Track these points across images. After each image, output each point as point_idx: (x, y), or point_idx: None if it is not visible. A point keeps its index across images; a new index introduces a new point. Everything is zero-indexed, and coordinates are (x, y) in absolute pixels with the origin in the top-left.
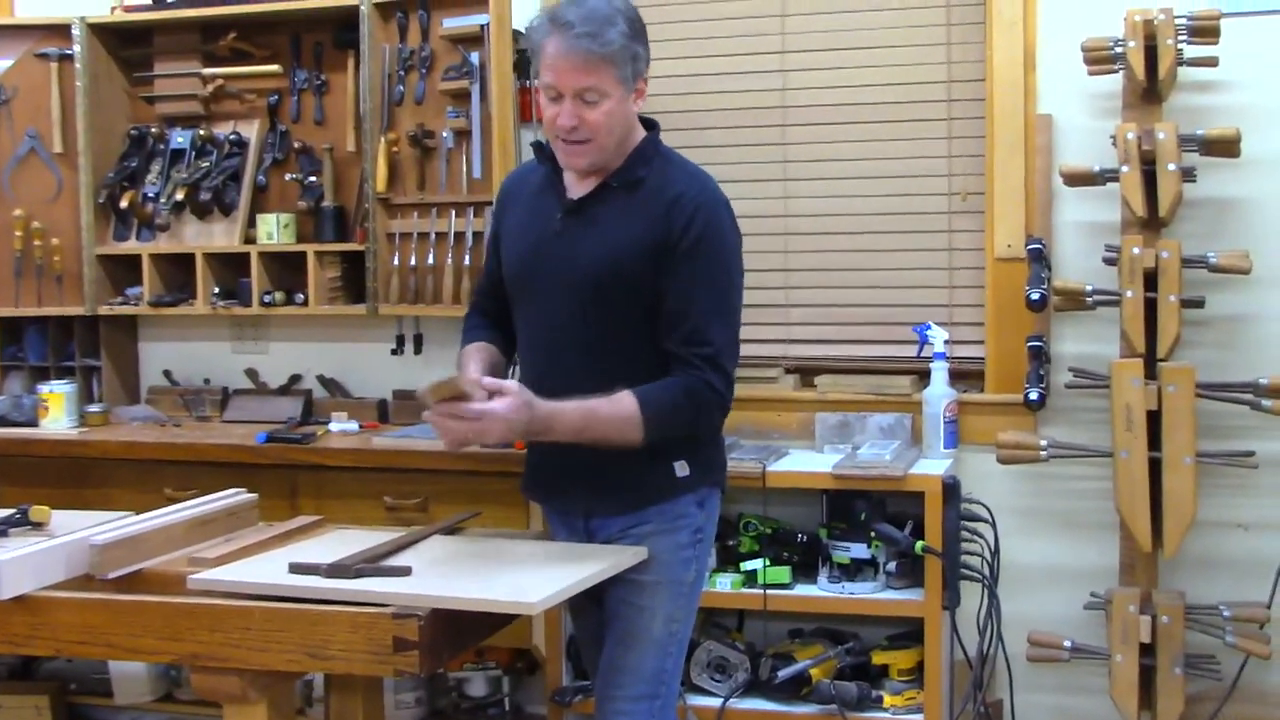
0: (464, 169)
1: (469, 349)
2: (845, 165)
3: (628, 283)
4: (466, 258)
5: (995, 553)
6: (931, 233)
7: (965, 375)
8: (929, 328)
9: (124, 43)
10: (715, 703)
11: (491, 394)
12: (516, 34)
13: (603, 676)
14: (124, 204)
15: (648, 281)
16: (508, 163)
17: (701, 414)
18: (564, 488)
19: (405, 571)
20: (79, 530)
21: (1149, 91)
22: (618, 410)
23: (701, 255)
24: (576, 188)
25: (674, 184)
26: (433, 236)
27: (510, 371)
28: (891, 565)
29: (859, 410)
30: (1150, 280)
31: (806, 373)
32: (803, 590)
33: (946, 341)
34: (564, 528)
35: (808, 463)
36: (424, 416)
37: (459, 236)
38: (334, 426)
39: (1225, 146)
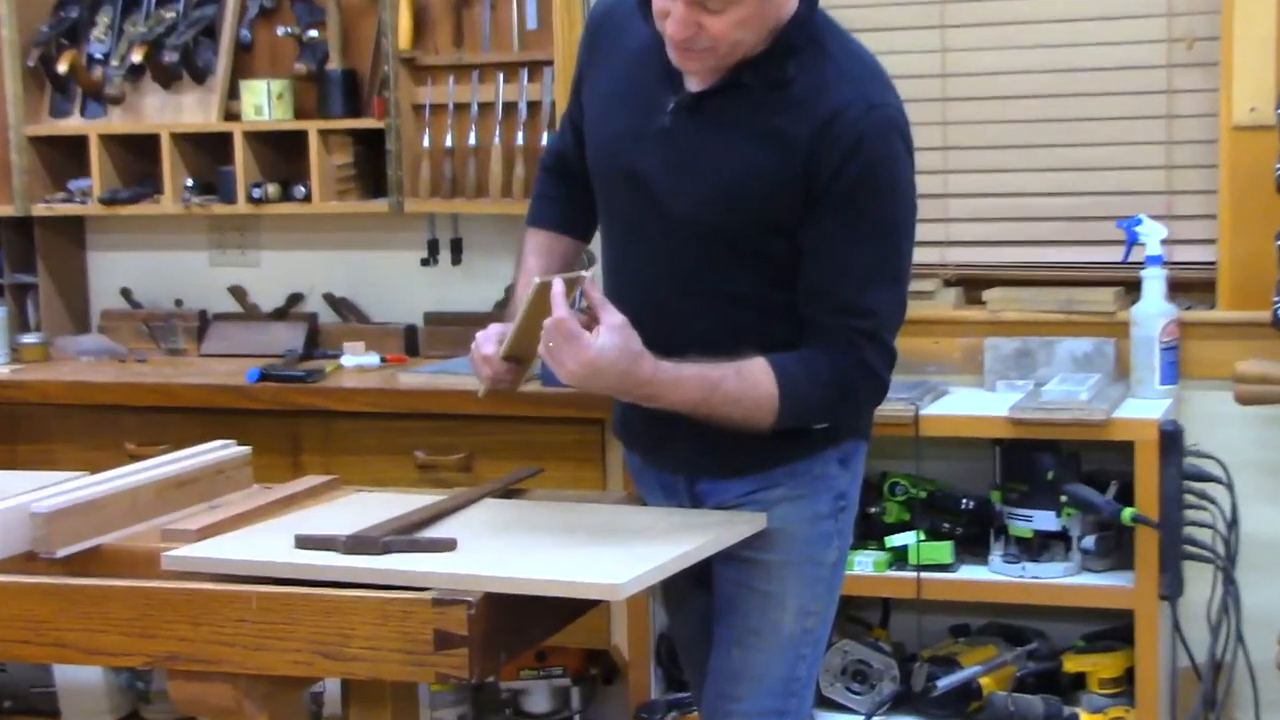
0: (514, 18)
1: (533, 247)
2: (1021, 4)
3: (754, 222)
4: (519, 135)
5: (1232, 524)
6: (1143, 94)
7: (1190, 287)
8: (1139, 222)
9: None
10: None
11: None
12: None
13: (714, 685)
14: (62, 68)
15: (784, 223)
16: (572, 9)
17: (852, 402)
18: (662, 437)
19: (449, 545)
20: (16, 495)
21: None
22: (750, 389)
23: (863, 200)
24: (697, 75)
25: (832, 93)
26: (474, 109)
27: (585, 261)
28: (1089, 540)
29: (1043, 334)
30: None
31: (972, 285)
32: (969, 573)
33: (1164, 241)
34: (659, 490)
35: (975, 404)
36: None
37: (509, 109)
38: (347, 361)
39: None
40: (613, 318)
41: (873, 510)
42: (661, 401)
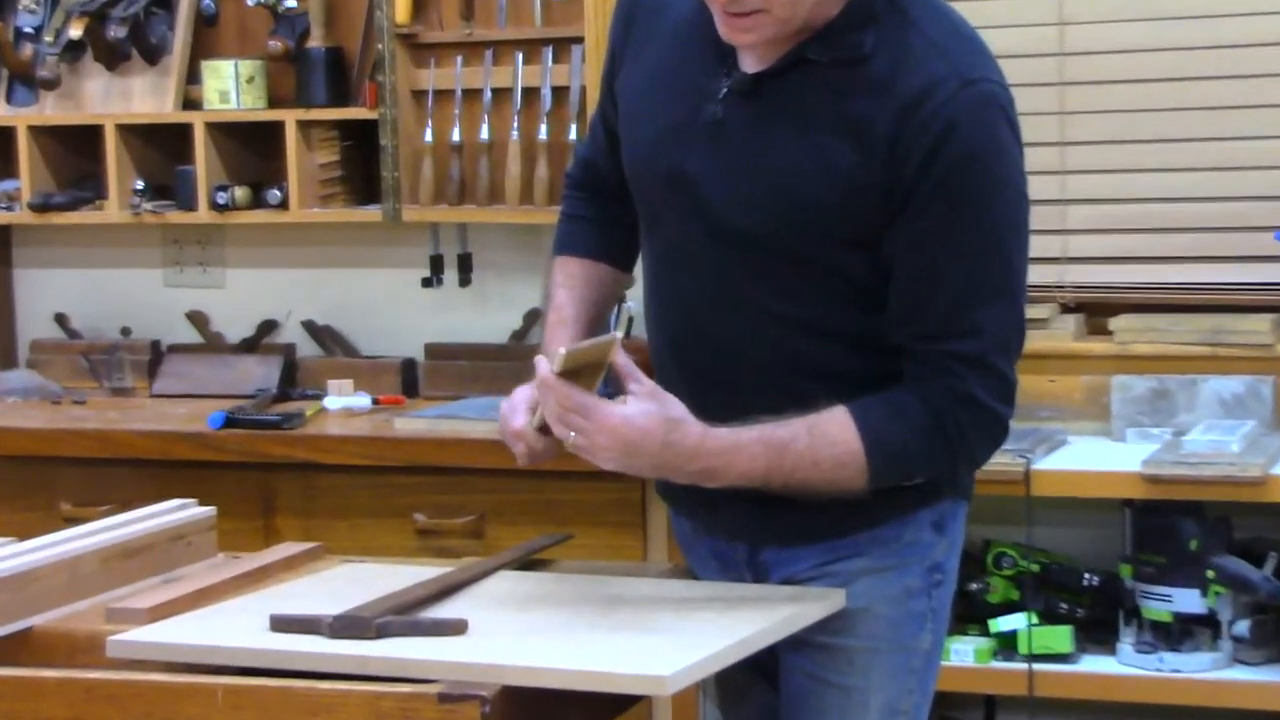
0: None
1: (563, 279)
2: None
3: (828, 233)
4: (542, 128)
5: None
6: None
7: None
8: None
9: None
10: None
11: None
12: None
13: None
14: None
15: (863, 233)
16: None
17: (963, 446)
18: (715, 497)
19: (458, 627)
20: None
21: None
22: (827, 448)
23: (960, 198)
24: (753, 51)
25: (918, 69)
26: (487, 96)
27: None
28: (1242, 626)
29: (1184, 371)
30: None
31: (1096, 311)
32: (1093, 665)
33: None
34: (713, 560)
35: (1100, 457)
36: (516, 420)
37: (529, 95)
38: (331, 403)
39: None
40: (640, 384)
41: (974, 587)
42: (723, 477)
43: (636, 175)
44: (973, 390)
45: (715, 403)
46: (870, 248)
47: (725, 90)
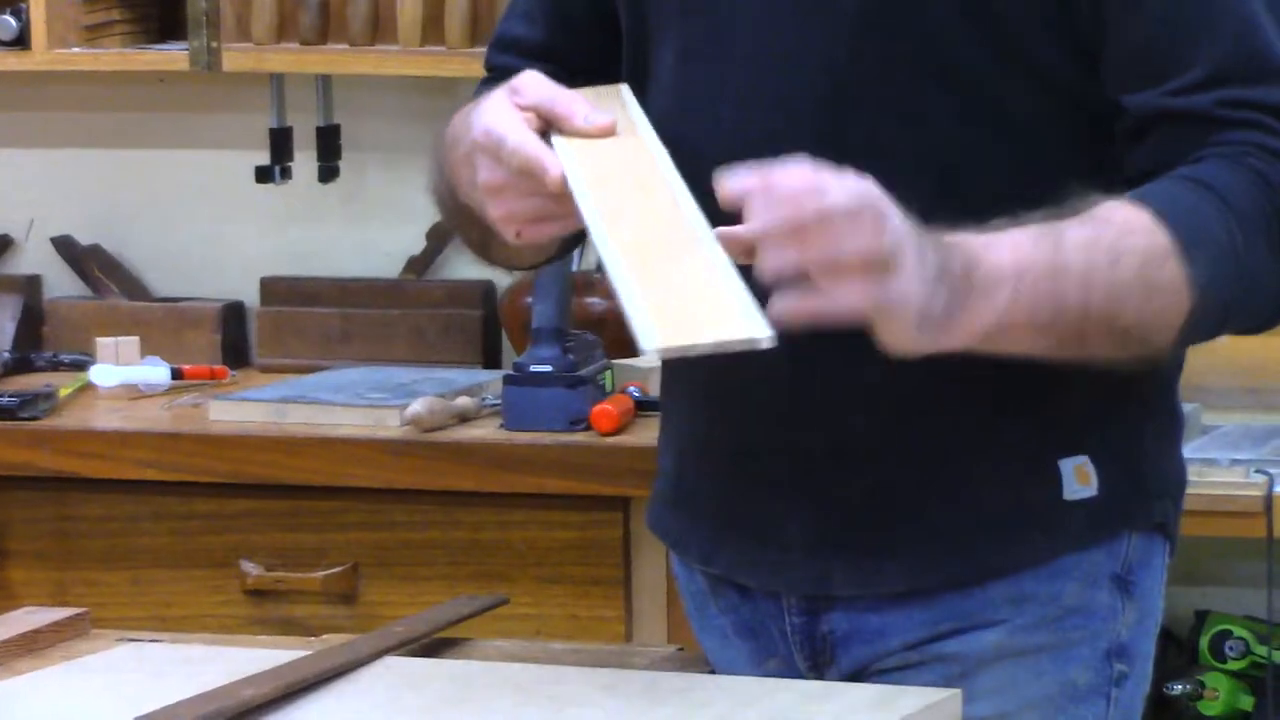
0: None
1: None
2: None
3: None
4: None
5: None
6: None
7: None
8: None
9: None
10: None
11: None
12: None
13: None
14: None
15: None
16: None
17: None
18: (750, 510)
19: None
20: None
21: None
22: (1121, 236)
23: None
24: None
25: None
26: None
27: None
28: None
29: None
30: None
31: None
32: None
33: None
34: (741, 632)
35: None
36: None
37: None
38: (103, 375)
39: None
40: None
41: (1179, 688)
42: (999, 286)
43: None
44: None
45: (817, 360)
46: None
47: None
